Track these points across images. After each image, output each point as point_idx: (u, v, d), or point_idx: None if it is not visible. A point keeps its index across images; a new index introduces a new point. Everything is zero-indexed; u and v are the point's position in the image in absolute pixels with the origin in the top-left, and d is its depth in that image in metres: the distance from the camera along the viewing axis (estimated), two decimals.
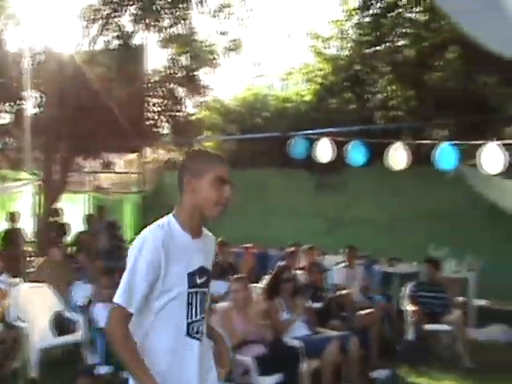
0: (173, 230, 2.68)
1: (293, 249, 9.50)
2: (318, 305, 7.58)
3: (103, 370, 6.23)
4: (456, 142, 9.08)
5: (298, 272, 8.52)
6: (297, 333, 6.53)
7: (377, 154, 9.35)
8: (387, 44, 12.85)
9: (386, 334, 8.16)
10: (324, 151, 9.57)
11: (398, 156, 8.84)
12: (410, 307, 8.05)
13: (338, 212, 12.18)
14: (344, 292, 8.29)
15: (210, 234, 2.91)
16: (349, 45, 13.85)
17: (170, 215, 2.74)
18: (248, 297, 6.39)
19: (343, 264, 9.04)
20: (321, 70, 14.19)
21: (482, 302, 10.22)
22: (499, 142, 8.37)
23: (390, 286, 10.01)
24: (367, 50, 13.15)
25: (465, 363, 7.47)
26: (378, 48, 13.06)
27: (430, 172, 8.98)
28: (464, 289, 9.67)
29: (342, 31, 13.81)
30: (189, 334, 2.71)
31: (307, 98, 14.43)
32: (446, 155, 8.58)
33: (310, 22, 21.96)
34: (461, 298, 9.50)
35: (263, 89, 16.24)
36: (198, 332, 2.75)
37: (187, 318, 2.70)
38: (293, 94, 15.03)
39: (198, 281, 2.73)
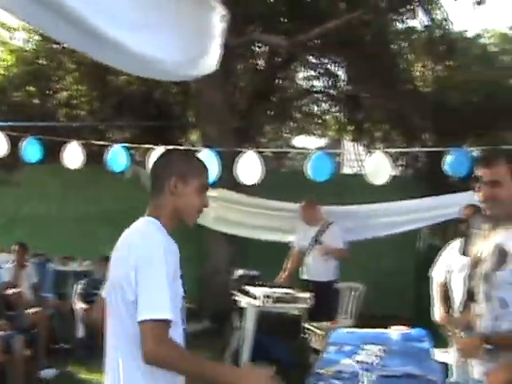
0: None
1: None
2: None
3: None
4: (130, 144, 9.41)
5: None
6: None
7: (56, 151, 9.27)
8: None
9: (56, 332, 8.16)
10: None
11: (73, 155, 8.86)
12: (79, 305, 8.19)
13: (14, 209, 11.80)
14: (13, 291, 8.10)
15: None
16: (36, 38, 13.46)
17: (149, 218, 2.53)
18: None
19: (14, 262, 8.76)
20: (4, 60, 13.59)
21: None
22: (168, 147, 8.80)
23: (63, 284, 9.99)
24: (55, 46, 12.91)
25: None
26: (65, 45, 12.91)
27: (108, 172, 9.14)
28: None
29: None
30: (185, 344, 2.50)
31: None
32: (117, 157, 8.81)
33: None
34: None
35: None
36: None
37: (183, 324, 2.50)
38: None
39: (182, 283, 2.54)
